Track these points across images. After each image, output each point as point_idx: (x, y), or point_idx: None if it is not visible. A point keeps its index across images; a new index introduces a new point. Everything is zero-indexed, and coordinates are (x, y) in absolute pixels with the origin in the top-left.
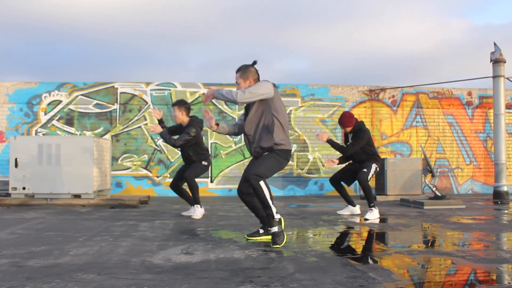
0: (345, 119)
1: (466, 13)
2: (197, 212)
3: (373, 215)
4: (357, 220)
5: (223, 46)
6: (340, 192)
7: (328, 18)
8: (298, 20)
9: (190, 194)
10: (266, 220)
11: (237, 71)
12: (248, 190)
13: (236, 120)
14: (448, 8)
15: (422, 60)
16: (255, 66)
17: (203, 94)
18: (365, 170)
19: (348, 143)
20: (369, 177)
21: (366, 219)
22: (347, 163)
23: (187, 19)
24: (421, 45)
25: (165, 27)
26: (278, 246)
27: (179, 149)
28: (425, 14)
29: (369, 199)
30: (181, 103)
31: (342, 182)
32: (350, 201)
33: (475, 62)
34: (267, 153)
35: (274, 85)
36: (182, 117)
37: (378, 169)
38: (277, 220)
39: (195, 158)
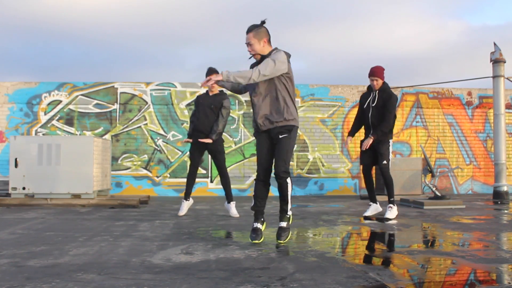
0: (379, 70)
1: (462, 15)
2: (233, 209)
3: (393, 213)
4: (357, 220)
5: (220, 47)
6: (369, 186)
7: (325, 19)
8: (295, 21)
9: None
10: (280, 213)
11: (249, 31)
12: (268, 179)
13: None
14: (444, 10)
15: (419, 60)
16: (264, 24)
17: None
18: (385, 162)
19: (382, 127)
20: (389, 164)
21: (388, 219)
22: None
23: (185, 20)
24: (417, 45)
25: (163, 28)
26: (281, 242)
27: (197, 117)
28: (421, 15)
29: (390, 194)
30: (216, 71)
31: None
32: (374, 198)
33: (473, 62)
34: (285, 135)
35: (287, 55)
36: (216, 86)
37: (392, 141)
38: (288, 216)
39: (220, 134)
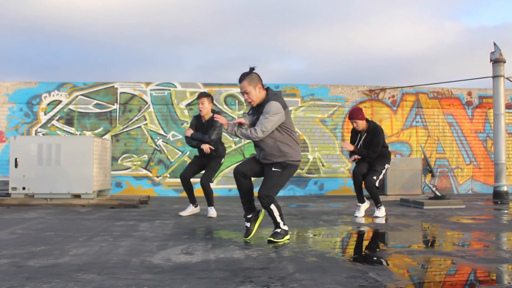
0: (356, 111)
1: (459, 16)
2: (212, 212)
3: (382, 213)
4: (357, 220)
5: (219, 47)
6: (359, 188)
7: (323, 19)
8: (293, 21)
9: (195, 195)
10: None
11: (242, 80)
12: (247, 174)
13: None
14: (441, 11)
15: (416, 61)
16: (253, 69)
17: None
18: (374, 177)
19: (369, 151)
20: (377, 183)
21: (377, 217)
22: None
23: (183, 21)
24: (415, 46)
25: (162, 29)
26: (270, 238)
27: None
28: (418, 17)
29: (376, 200)
30: (210, 95)
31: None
32: (362, 199)
33: (471, 63)
34: (278, 170)
35: (283, 103)
36: (209, 109)
37: (388, 166)
38: (282, 229)
39: (218, 152)
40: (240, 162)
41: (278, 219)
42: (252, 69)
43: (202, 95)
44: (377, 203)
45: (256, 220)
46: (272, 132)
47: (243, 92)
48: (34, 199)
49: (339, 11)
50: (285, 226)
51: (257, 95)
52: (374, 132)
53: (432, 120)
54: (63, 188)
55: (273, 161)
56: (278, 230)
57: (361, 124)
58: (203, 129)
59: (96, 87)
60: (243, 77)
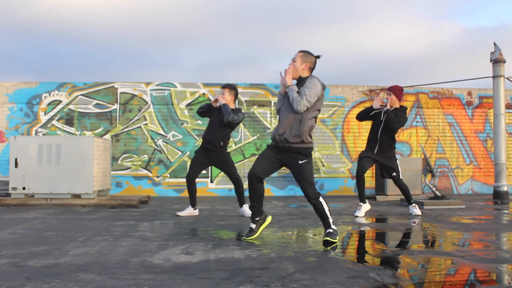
0: (400, 89)
1: (457, 17)
2: (247, 210)
3: (417, 211)
4: (357, 220)
5: (218, 48)
6: (361, 187)
7: (322, 20)
8: (292, 22)
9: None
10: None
11: (301, 51)
12: (262, 178)
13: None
14: (438, 12)
15: (415, 61)
16: (317, 58)
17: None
18: (394, 174)
19: (396, 119)
20: (400, 175)
21: (416, 216)
22: (369, 154)
23: (182, 21)
24: (414, 46)
25: (161, 30)
26: (329, 239)
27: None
28: (416, 18)
29: (408, 199)
30: (233, 87)
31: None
32: (364, 199)
33: (469, 63)
34: (305, 160)
35: (323, 85)
36: (230, 102)
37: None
38: (333, 228)
39: (224, 142)
40: (252, 165)
41: (328, 213)
42: (317, 56)
43: (224, 86)
44: (409, 201)
45: (262, 224)
46: (307, 111)
47: (292, 59)
48: (34, 199)
49: (339, 11)
50: (334, 225)
51: (298, 68)
52: (401, 111)
53: (432, 120)
54: (63, 188)
55: (294, 142)
56: (331, 230)
57: (393, 101)
58: (215, 114)
59: (96, 87)
60: (303, 50)
